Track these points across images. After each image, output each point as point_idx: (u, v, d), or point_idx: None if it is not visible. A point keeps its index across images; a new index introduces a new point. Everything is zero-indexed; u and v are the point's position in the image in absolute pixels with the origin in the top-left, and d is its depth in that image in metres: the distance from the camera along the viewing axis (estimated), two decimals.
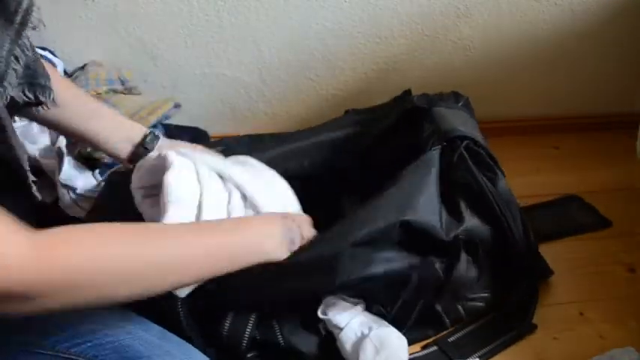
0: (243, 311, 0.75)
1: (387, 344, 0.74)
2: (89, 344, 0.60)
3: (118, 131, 0.81)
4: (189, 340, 0.69)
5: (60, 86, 0.72)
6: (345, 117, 1.08)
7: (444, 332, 0.84)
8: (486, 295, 0.85)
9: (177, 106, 1.09)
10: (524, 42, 1.25)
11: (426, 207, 0.78)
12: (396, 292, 0.78)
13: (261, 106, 1.26)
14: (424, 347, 0.82)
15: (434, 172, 0.81)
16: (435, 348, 0.82)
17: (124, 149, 0.81)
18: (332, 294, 0.77)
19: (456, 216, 0.81)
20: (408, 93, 1.06)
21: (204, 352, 0.67)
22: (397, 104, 1.03)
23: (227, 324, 0.74)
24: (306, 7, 1.14)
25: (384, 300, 0.79)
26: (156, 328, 0.65)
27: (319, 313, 0.77)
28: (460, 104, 0.98)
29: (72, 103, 0.76)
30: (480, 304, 0.85)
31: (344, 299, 0.78)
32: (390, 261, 0.76)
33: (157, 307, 0.71)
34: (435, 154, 0.84)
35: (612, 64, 1.31)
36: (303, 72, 1.23)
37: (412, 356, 0.80)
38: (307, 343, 0.78)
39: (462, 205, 0.82)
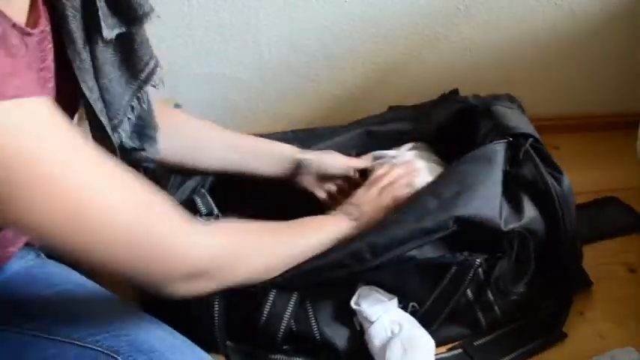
0: (281, 297, 0.76)
1: (415, 347, 0.75)
2: (106, 335, 0.61)
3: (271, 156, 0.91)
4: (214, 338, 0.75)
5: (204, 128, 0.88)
6: (390, 112, 1.09)
7: (472, 335, 0.84)
8: (523, 290, 0.84)
9: (177, 106, 1.09)
10: (524, 42, 1.25)
11: (486, 200, 0.78)
12: (431, 285, 0.79)
13: (261, 106, 1.26)
14: (450, 349, 0.82)
15: (497, 164, 0.81)
16: (459, 350, 0.82)
17: (281, 170, 0.91)
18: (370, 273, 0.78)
19: (518, 209, 0.81)
20: (455, 92, 1.07)
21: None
22: (446, 102, 1.04)
23: (266, 311, 0.75)
24: (305, 7, 1.14)
25: (418, 294, 0.79)
26: (167, 328, 0.67)
27: (352, 303, 0.78)
28: (515, 106, 0.99)
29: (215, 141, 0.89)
30: (516, 297, 0.84)
31: (378, 292, 0.78)
32: (432, 250, 0.77)
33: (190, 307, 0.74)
34: (498, 147, 0.84)
35: (612, 64, 1.31)
36: (303, 72, 1.23)
37: (437, 357, 0.79)
38: (342, 337, 0.78)
39: (525, 201, 0.82)
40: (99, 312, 0.66)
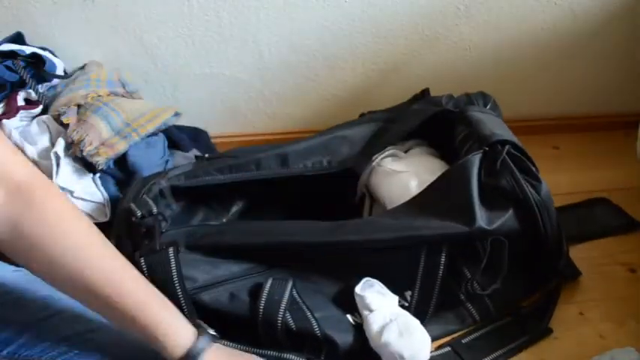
0: (279, 281, 0.79)
1: (412, 331, 0.77)
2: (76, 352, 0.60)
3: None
4: None
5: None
6: (362, 118, 1.09)
7: (460, 333, 0.85)
8: (497, 287, 0.85)
9: (177, 114, 1.09)
10: (524, 42, 1.25)
11: (458, 214, 0.80)
12: (412, 268, 0.82)
13: (261, 106, 1.26)
14: (438, 348, 0.83)
15: (472, 177, 0.83)
16: (448, 349, 0.83)
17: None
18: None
19: (494, 215, 0.82)
20: (426, 92, 1.06)
21: None
22: (420, 105, 1.03)
23: (263, 298, 0.77)
24: (305, 7, 1.14)
25: (405, 279, 0.82)
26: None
27: (357, 289, 0.80)
28: (489, 105, 0.99)
29: None
30: (487, 298, 0.87)
31: (381, 286, 0.81)
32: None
33: None
34: (474, 159, 0.84)
35: (612, 64, 1.31)
36: (303, 72, 1.22)
37: None
38: (341, 333, 0.80)
39: (502, 207, 0.83)
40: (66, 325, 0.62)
